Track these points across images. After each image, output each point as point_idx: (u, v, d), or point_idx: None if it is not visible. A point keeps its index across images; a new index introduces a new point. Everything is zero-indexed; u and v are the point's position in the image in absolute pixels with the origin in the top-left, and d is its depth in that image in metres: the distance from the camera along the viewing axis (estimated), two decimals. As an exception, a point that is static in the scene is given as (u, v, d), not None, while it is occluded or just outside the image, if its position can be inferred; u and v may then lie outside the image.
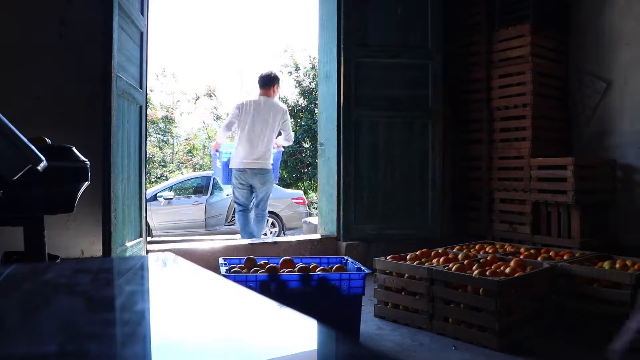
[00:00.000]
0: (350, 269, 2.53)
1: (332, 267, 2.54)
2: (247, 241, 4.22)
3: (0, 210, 1.66)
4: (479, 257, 2.91)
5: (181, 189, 10.21)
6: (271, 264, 2.49)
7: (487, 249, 3.21)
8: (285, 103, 14.84)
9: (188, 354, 0.54)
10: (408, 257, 2.91)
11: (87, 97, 3.07)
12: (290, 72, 15.11)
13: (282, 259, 2.56)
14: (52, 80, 3.04)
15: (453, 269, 2.59)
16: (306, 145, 14.19)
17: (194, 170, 15.96)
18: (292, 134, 4.72)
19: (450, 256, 2.87)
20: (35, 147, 1.44)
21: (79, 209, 1.93)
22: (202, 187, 9.71)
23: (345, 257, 2.74)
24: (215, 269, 2.39)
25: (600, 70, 4.20)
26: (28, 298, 0.76)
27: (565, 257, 2.92)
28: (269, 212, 8.36)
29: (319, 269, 2.51)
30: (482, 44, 4.32)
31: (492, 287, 2.34)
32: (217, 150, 4.77)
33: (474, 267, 2.57)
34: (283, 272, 2.40)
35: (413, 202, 4.24)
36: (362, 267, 2.45)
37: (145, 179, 3.65)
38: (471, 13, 4.43)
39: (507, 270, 2.58)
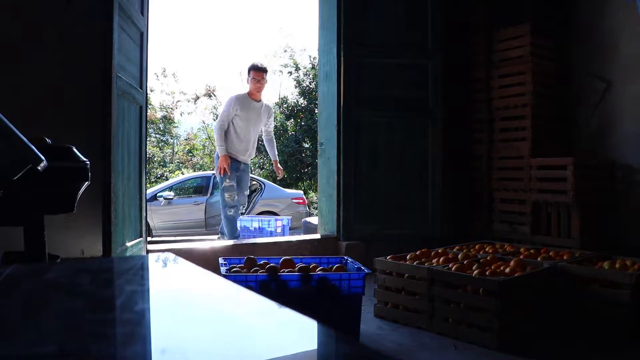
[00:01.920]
0: (350, 269, 2.53)
1: (332, 267, 2.54)
2: (247, 241, 4.22)
3: (0, 210, 1.66)
4: (479, 257, 2.91)
5: (181, 189, 10.20)
6: (271, 264, 2.49)
7: (487, 249, 3.21)
8: (285, 103, 14.85)
9: (188, 354, 0.54)
10: (408, 257, 2.91)
11: (87, 97, 3.07)
12: (290, 72, 15.12)
13: (282, 259, 2.56)
14: (52, 80, 3.03)
15: (453, 269, 2.59)
16: (306, 145, 14.20)
17: (194, 170, 15.96)
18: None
19: (450, 256, 2.87)
20: (35, 147, 1.44)
21: (79, 209, 1.92)
22: (202, 187, 9.70)
23: (345, 257, 2.74)
24: (215, 269, 2.39)
25: (600, 70, 4.20)
26: (28, 298, 0.76)
27: (565, 257, 2.92)
28: (268, 211, 8.39)
29: (319, 269, 2.51)
30: (482, 44, 4.31)
31: (492, 287, 2.34)
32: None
33: (474, 267, 2.57)
34: (283, 272, 2.40)
35: (413, 202, 4.24)
36: (362, 267, 2.45)
37: (145, 179, 3.65)
38: (471, 13, 4.43)
39: (507, 270, 2.58)
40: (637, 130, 3.97)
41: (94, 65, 3.02)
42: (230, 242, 4.19)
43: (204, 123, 19.00)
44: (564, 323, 2.59)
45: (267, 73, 4.89)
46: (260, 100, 4.87)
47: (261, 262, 2.57)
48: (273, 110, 5.32)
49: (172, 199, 9.13)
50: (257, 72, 4.79)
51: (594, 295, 2.52)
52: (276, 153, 5.18)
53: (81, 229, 3.06)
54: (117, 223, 3.04)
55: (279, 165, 5.15)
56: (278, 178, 5.01)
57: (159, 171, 16.60)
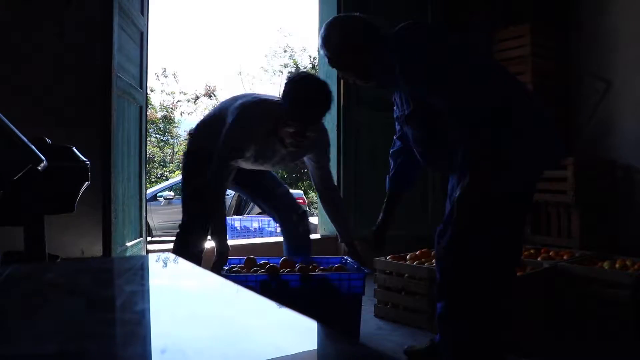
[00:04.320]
0: (350, 269, 2.53)
1: (332, 267, 2.54)
2: (247, 241, 4.22)
3: (0, 210, 1.66)
4: (479, 257, 2.91)
5: (181, 189, 10.20)
6: (271, 264, 2.49)
7: (487, 249, 3.21)
8: (285, 103, 14.86)
9: (188, 354, 0.54)
10: (408, 257, 2.91)
11: (87, 97, 3.07)
12: (290, 72, 15.13)
13: (282, 259, 2.55)
14: (52, 80, 3.03)
15: (453, 269, 2.58)
16: (306, 145, 14.17)
17: (194, 170, 15.92)
18: None
19: (450, 256, 2.86)
20: (35, 147, 1.44)
21: (79, 209, 1.92)
22: (202, 187, 9.70)
23: (345, 257, 2.74)
24: (215, 269, 2.39)
25: (600, 70, 4.20)
26: (28, 298, 0.76)
27: (565, 257, 2.92)
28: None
29: (318, 269, 2.51)
30: (482, 43, 4.31)
31: (492, 287, 2.34)
32: None
33: (474, 267, 2.57)
34: (283, 272, 2.40)
35: (413, 202, 4.24)
36: (362, 267, 2.45)
37: (145, 179, 3.65)
38: (471, 13, 4.43)
39: (507, 270, 2.58)
40: (637, 130, 3.96)
41: (94, 65, 3.02)
42: (230, 242, 4.19)
43: (204, 123, 18.97)
44: (564, 323, 2.59)
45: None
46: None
47: (261, 262, 2.56)
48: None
49: (172, 199, 9.13)
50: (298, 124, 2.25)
51: (594, 295, 2.52)
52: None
53: (81, 229, 3.06)
54: (117, 223, 3.04)
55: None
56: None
57: (159, 171, 16.60)
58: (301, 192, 10.60)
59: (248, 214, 7.48)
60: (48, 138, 1.85)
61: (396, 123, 2.05)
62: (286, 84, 2.30)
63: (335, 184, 2.71)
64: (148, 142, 12.82)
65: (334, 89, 4.13)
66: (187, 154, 2.69)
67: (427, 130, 1.79)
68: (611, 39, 4.14)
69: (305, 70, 14.78)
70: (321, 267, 2.55)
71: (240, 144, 2.36)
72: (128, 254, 3.22)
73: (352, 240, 2.59)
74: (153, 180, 15.21)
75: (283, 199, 2.77)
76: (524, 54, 4.06)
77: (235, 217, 6.14)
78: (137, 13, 3.41)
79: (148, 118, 5.97)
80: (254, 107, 2.39)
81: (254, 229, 5.84)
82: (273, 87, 19.58)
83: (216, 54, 33.64)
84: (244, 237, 5.58)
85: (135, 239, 3.41)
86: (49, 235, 1.82)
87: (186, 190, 2.68)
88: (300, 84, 2.28)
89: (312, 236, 4.35)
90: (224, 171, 2.38)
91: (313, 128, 2.31)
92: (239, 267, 2.54)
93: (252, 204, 7.93)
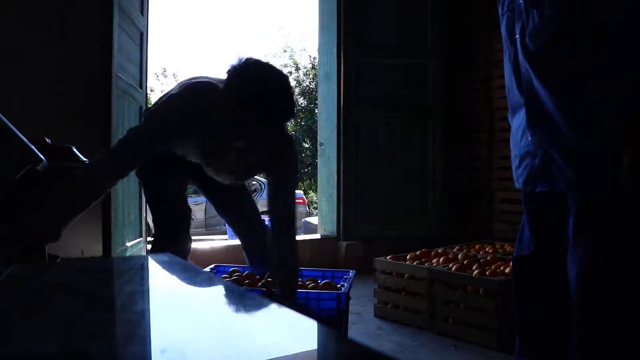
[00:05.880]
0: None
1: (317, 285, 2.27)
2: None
3: (0, 210, 1.66)
4: (479, 257, 2.91)
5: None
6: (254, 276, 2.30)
7: (487, 249, 3.21)
8: (285, 103, 14.85)
9: (188, 354, 0.54)
10: (408, 257, 2.91)
11: (87, 97, 3.07)
12: (290, 72, 15.13)
13: (268, 274, 2.31)
14: (52, 80, 3.03)
15: (453, 269, 2.59)
16: (306, 145, 14.21)
17: (194, 170, 15.91)
18: None
19: (450, 256, 2.87)
20: (35, 147, 1.44)
21: (79, 209, 1.92)
22: (202, 187, 9.68)
23: (350, 272, 2.45)
24: (215, 269, 2.38)
25: (600, 70, 4.20)
26: (28, 298, 0.76)
27: (565, 257, 2.92)
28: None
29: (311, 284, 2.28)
30: (482, 44, 4.31)
31: (492, 287, 2.34)
32: None
33: (474, 267, 2.57)
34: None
35: (413, 202, 4.24)
36: (345, 285, 2.18)
37: (145, 179, 3.65)
38: (471, 13, 4.43)
39: (507, 270, 2.58)
40: (637, 130, 3.96)
41: (94, 65, 3.02)
42: (231, 242, 4.19)
43: (204, 123, 18.95)
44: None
45: None
46: None
47: (245, 274, 2.39)
48: None
49: (172, 199, 9.10)
50: None
51: (594, 295, 2.52)
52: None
53: (81, 229, 3.05)
54: (117, 223, 3.04)
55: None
56: None
57: (159, 171, 16.60)
58: (301, 192, 10.60)
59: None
60: (48, 138, 1.85)
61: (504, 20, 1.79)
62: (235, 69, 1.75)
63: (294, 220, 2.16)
64: (148, 142, 12.77)
65: (333, 88, 4.16)
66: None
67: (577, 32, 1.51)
68: (611, 39, 4.14)
69: (304, 68, 14.77)
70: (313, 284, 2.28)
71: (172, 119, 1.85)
72: (128, 254, 3.22)
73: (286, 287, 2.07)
74: (153, 180, 15.22)
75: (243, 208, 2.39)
76: (524, 54, 4.05)
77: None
78: (137, 13, 3.41)
79: (148, 118, 5.95)
80: (193, 88, 1.92)
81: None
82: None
83: (216, 54, 33.65)
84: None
85: (135, 239, 3.41)
86: (49, 235, 1.81)
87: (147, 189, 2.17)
88: (255, 69, 1.75)
89: (312, 236, 4.37)
90: (140, 149, 1.83)
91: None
92: (223, 277, 2.34)
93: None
